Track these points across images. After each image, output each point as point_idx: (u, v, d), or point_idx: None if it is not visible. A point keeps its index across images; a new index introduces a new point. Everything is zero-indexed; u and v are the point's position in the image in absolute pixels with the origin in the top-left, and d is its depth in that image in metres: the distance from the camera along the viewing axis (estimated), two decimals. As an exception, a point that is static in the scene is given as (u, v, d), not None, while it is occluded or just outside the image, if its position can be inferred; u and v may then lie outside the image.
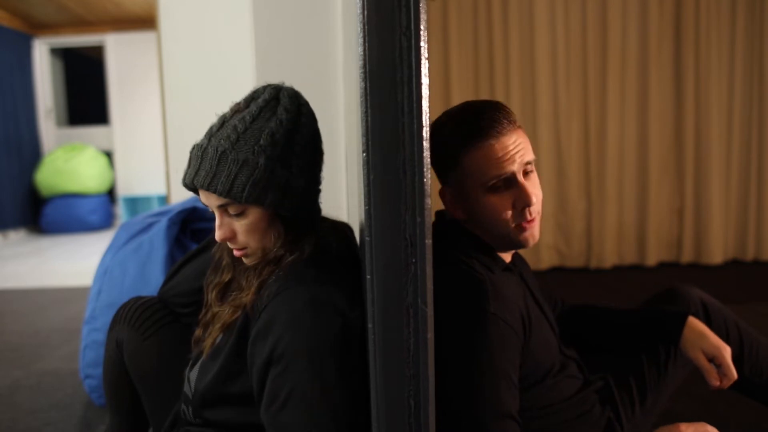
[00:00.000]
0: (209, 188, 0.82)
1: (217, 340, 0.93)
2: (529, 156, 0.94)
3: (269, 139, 0.83)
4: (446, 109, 1.01)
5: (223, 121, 0.87)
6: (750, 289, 2.98)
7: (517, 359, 0.92)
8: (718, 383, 1.04)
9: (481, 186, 0.94)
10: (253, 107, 0.86)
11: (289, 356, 0.78)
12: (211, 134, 0.86)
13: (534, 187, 0.95)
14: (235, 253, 0.90)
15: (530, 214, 0.95)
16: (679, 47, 3.46)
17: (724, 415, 1.53)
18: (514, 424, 0.87)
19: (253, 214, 0.85)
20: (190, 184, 0.85)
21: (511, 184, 0.93)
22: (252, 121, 0.84)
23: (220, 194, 0.82)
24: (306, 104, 0.90)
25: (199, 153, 0.84)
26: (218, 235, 0.86)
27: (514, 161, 0.92)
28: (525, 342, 0.94)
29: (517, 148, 0.93)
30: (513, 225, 0.95)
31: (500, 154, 0.91)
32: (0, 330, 2.55)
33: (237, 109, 0.88)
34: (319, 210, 0.94)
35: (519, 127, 0.95)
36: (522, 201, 0.93)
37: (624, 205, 3.55)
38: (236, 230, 0.86)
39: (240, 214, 0.85)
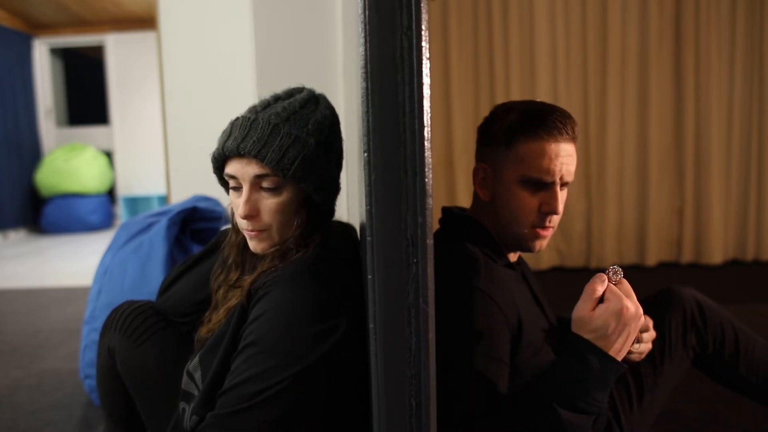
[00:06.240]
0: (258, 155, 0.81)
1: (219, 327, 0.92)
2: (570, 176, 0.97)
3: (316, 125, 0.86)
4: (511, 100, 1.04)
5: (268, 103, 0.88)
6: (750, 289, 2.98)
7: (504, 342, 0.91)
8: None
9: (520, 176, 0.96)
10: (298, 98, 0.89)
11: (258, 343, 0.78)
12: (256, 110, 0.87)
13: (562, 201, 0.98)
14: (251, 234, 0.88)
15: (550, 221, 0.98)
16: (679, 47, 3.46)
17: (724, 415, 1.53)
18: (489, 396, 0.87)
19: (287, 193, 0.85)
20: (234, 150, 0.83)
21: (546, 188, 0.96)
22: (300, 107, 0.87)
23: (268, 163, 0.81)
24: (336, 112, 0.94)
25: (246, 123, 0.84)
26: (243, 211, 0.85)
27: (560, 170, 0.95)
28: (518, 332, 0.94)
29: (568, 160, 0.96)
30: (529, 227, 0.98)
31: (552, 156, 0.94)
32: (0, 330, 2.55)
33: (278, 97, 0.90)
34: (334, 211, 0.95)
35: (575, 141, 0.98)
36: (549, 206, 0.96)
37: (624, 205, 3.55)
38: (261, 209, 0.86)
39: (274, 190, 0.85)
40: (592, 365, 0.83)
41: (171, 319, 1.12)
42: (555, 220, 0.99)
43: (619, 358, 0.85)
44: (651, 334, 1.02)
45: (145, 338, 1.08)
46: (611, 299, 0.85)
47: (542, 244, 1.00)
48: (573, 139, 0.96)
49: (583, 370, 0.84)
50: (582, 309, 0.86)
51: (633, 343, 0.94)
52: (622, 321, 0.83)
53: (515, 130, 0.96)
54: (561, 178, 0.96)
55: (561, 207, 0.97)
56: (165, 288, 1.15)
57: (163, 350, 1.07)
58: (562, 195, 0.98)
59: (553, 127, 0.94)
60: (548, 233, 0.99)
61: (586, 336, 0.85)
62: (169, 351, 1.07)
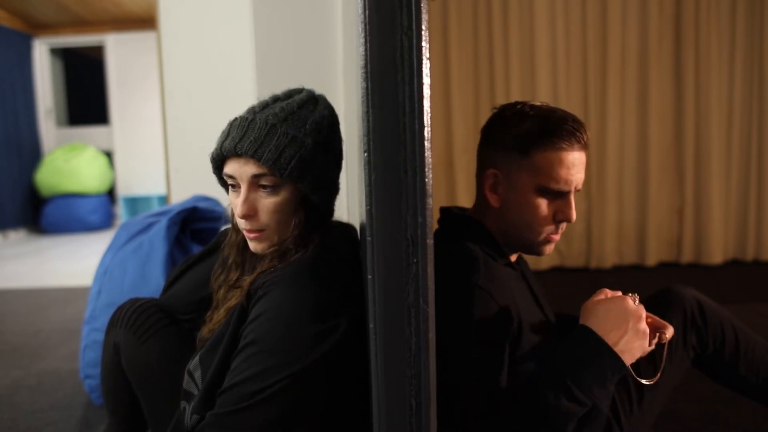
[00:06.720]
0: (255, 155, 0.82)
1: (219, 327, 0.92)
2: (581, 184, 0.99)
3: (314, 125, 0.86)
4: (523, 100, 1.03)
5: (266, 104, 0.89)
6: (750, 289, 2.98)
7: (504, 339, 0.92)
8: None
9: (537, 185, 0.96)
10: (297, 98, 0.89)
11: (258, 343, 0.78)
12: (254, 111, 0.87)
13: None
14: (249, 234, 0.88)
15: (562, 228, 1.00)
16: (679, 47, 3.46)
17: (724, 415, 1.53)
18: (488, 392, 0.87)
19: (285, 193, 0.86)
20: (232, 150, 0.84)
21: (561, 196, 0.97)
22: (298, 108, 0.87)
23: (265, 162, 0.82)
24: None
25: (244, 124, 0.85)
26: (240, 210, 0.85)
27: (575, 179, 0.96)
28: (518, 332, 0.94)
29: (581, 169, 0.97)
30: (543, 234, 0.99)
31: (570, 166, 0.95)
32: (0, 330, 2.55)
33: (277, 98, 0.90)
34: (333, 211, 0.95)
35: (587, 149, 0.99)
36: (564, 215, 0.97)
37: (624, 205, 3.55)
38: (259, 209, 0.86)
39: (272, 189, 0.85)
40: (586, 347, 0.87)
41: (174, 317, 1.12)
42: (565, 226, 1.01)
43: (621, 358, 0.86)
44: (670, 331, 1.00)
45: (149, 335, 1.08)
46: (615, 296, 0.93)
47: (552, 248, 1.03)
48: (586, 146, 0.98)
49: (577, 351, 0.87)
50: (588, 301, 0.94)
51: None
52: (621, 311, 0.88)
53: (532, 139, 0.96)
54: (573, 187, 0.97)
55: (574, 215, 0.98)
56: (168, 286, 1.16)
57: (166, 348, 1.08)
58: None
59: (571, 136, 0.94)
60: (558, 238, 1.02)
61: (584, 319, 0.91)
62: (171, 349, 1.07)
